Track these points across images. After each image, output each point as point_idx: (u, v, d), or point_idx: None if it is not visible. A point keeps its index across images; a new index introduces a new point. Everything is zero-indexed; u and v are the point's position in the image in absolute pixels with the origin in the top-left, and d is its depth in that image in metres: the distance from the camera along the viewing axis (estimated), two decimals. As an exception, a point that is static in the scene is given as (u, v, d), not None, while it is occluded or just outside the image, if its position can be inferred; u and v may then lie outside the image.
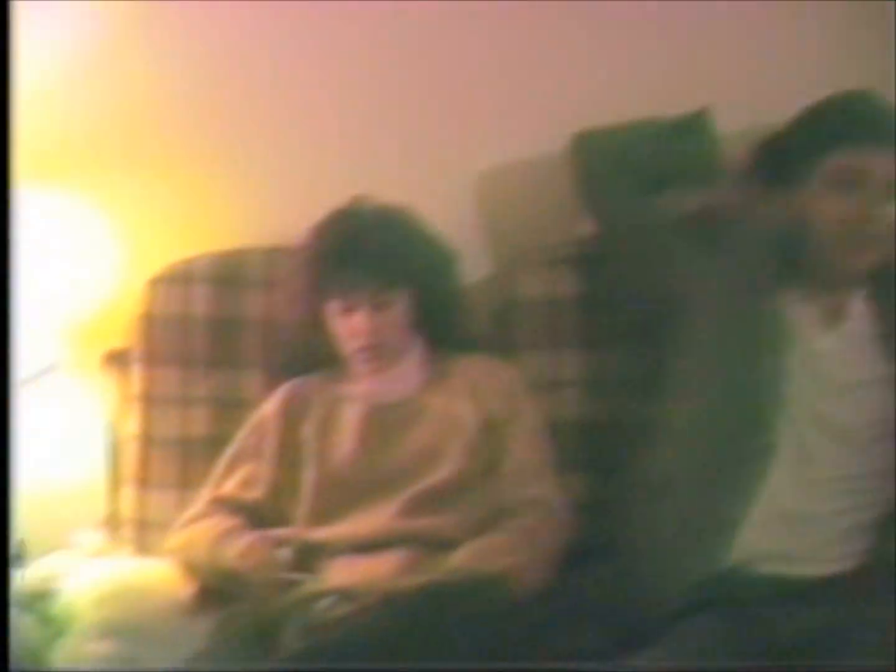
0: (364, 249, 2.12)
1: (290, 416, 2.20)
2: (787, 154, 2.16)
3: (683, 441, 2.15)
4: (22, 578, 2.20)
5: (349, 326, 2.14)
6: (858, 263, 2.11)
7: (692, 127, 2.31)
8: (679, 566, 2.06)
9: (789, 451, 2.08)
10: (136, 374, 2.36)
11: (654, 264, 2.25)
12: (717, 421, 2.12)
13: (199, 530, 2.14)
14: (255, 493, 2.17)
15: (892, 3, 2.42)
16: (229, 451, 2.23)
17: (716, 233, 2.23)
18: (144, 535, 2.33)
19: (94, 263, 2.46)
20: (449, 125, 2.48)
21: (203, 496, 2.21)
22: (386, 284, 2.13)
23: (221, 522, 2.12)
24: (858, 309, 2.15)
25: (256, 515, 2.16)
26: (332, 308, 2.16)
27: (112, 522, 2.35)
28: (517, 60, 2.45)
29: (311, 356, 2.25)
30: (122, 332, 2.39)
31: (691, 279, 2.20)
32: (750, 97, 2.42)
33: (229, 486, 2.18)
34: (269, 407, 2.23)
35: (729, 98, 2.38)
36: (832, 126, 2.12)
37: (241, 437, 2.23)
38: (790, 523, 2.07)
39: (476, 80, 2.46)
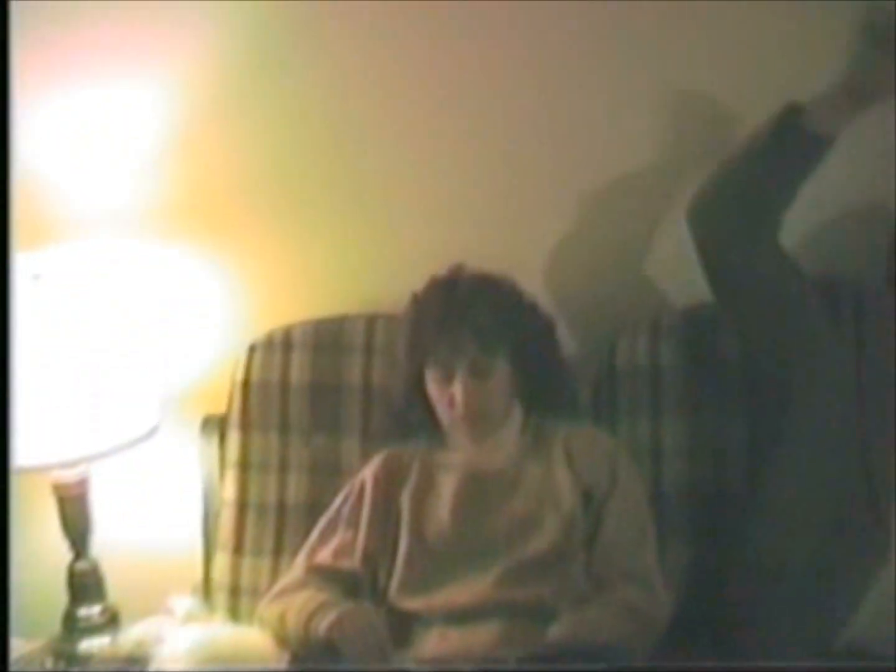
0: (464, 317, 2.11)
1: (387, 484, 2.18)
2: None
3: (791, 517, 2.10)
4: (115, 643, 2.21)
5: (448, 395, 2.12)
6: None
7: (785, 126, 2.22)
8: (784, 644, 2.01)
9: None
10: (234, 440, 2.37)
11: (767, 322, 2.18)
12: (827, 498, 2.08)
13: (293, 604, 2.10)
14: (350, 563, 2.14)
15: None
16: (324, 519, 2.21)
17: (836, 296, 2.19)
18: (238, 601, 2.32)
19: (196, 329, 2.49)
20: (546, 193, 2.47)
21: (297, 564, 2.19)
22: (485, 352, 2.11)
23: (314, 597, 2.09)
24: None
25: (351, 585, 2.13)
26: (432, 376, 2.14)
27: (206, 588, 2.35)
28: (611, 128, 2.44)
29: (409, 423, 2.24)
30: (221, 397, 2.39)
31: (806, 340, 2.16)
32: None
33: (324, 555, 2.16)
34: (366, 474, 2.21)
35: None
36: None
37: (336, 504, 2.22)
38: None
39: (568, 145, 2.45)
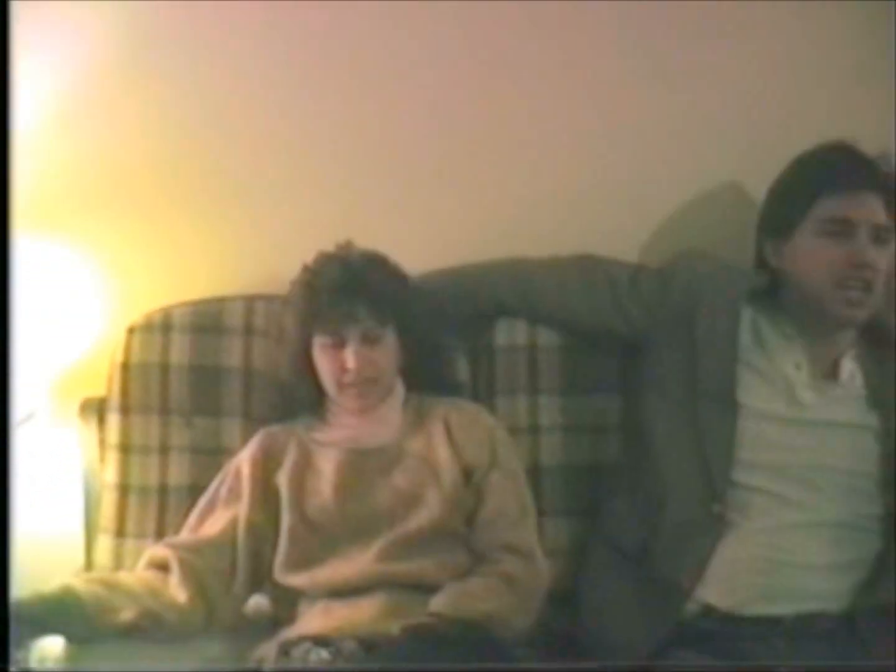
0: (359, 285, 2.15)
1: (265, 463, 2.19)
2: (778, 206, 2.21)
3: (655, 493, 2.19)
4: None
5: (339, 362, 2.15)
6: (850, 314, 2.14)
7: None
8: (632, 621, 2.12)
9: (766, 498, 2.12)
10: (114, 423, 2.35)
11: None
12: (676, 479, 2.18)
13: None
14: (231, 537, 2.14)
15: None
16: (203, 500, 2.21)
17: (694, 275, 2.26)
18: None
19: (73, 311, 2.46)
20: (422, 177, 2.54)
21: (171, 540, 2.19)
22: (377, 321, 2.15)
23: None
24: (849, 369, 2.19)
25: (228, 559, 2.13)
26: (322, 344, 2.16)
27: (88, 572, 2.32)
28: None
29: (293, 400, 2.25)
30: (100, 380, 2.38)
31: (659, 323, 2.25)
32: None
33: (204, 530, 2.17)
34: (244, 454, 2.22)
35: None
36: (816, 177, 2.18)
37: (214, 485, 2.22)
38: (769, 568, 2.09)
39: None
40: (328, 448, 2.19)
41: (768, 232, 2.25)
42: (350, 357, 2.13)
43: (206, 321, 2.38)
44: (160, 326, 2.37)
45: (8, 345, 1.89)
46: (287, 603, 2.10)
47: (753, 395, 2.16)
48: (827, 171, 2.18)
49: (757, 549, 2.11)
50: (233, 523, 2.14)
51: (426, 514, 2.10)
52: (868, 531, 2.14)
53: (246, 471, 2.18)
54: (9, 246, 1.91)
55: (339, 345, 2.14)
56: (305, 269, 2.22)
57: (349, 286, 2.14)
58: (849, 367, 2.19)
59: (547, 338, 2.36)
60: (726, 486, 2.12)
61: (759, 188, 2.36)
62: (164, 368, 2.35)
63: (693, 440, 2.15)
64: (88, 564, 2.34)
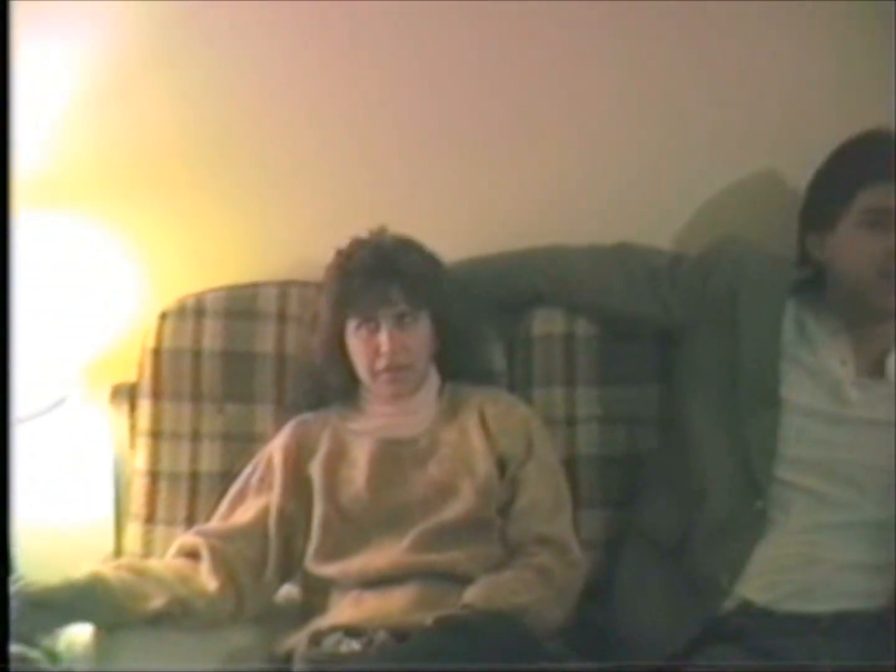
0: (393, 268, 2.12)
1: (298, 452, 2.17)
2: (820, 198, 2.17)
3: (689, 488, 2.16)
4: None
5: (372, 346, 2.13)
6: (894, 303, 2.10)
7: None
8: (665, 618, 2.08)
9: (808, 495, 2.08)
10: (145, 409, 2.34)
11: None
12: (715, 473, 2.13)
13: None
14: (262, 526, 2.12)
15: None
16: (234, 488, 2.20)
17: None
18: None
19: (105, 296, 2.45)
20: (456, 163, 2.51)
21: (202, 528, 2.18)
22: (411, 305, 2.13)
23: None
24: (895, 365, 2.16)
25: (259, 547, 2.12)
26: (355, 328, 2.14)
27: (118, 558, 2.31)
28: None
29: (327, 386, 2.23)
30: (131, 366, 2.36)
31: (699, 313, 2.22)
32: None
33: (235, 518, 2.15)
34: (277, 442, 2.20)
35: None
36: (856, 168, 2.14)
37: (246, 473, 2.21)
38: (808, 565, 2.07)
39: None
40: (362, 437, 2.17)
41: (810, 224, 2.21)
42: (384, 340, 2.11)
43: (239, 306, 2.36)
44: (193, 312, 2.35)
45: (8, 337, 1.87)
46: (318, 592, 2.08)
47: (797, 390, 2.12)
48: (867, 161, 2.15)
49: (797, 545, 2.08)
50: (264, 512, 2.13)
51: (460, 504, 2.07)
52: None
53: (278, 459, 2.16)
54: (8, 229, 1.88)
55: (373, 329, 2.12)
56: (339, 252, 2.19)
57: (382, 269, 2.12)
58: (895, 364, 2.15)
59: (584, 327, 2.33)
60: (769, 482, 2.08)
61: (795, 175, 2.33)
62: (197, 354, 2.34)
63: (733, 433, 2.11)
64: (118, 551, 2.33)
